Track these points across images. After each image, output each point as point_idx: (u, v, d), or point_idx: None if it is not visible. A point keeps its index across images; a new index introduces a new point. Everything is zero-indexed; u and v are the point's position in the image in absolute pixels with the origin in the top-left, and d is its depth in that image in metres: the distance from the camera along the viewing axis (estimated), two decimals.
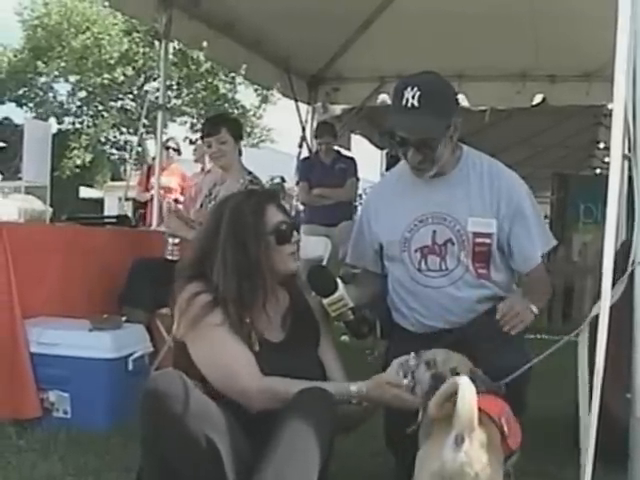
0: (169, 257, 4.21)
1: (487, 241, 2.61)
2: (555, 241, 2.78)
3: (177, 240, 4.20)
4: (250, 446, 2.00)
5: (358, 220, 2.90)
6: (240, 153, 4.46)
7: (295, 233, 2.38)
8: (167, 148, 7.69)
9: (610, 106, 2.20)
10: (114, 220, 5.11)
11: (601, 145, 11.17)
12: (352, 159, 7.18)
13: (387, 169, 6.86)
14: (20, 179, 4.98)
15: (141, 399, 1.97)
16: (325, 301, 2.43)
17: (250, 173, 4.34)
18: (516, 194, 2.66)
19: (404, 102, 2.50)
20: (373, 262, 2.82)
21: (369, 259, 2.82)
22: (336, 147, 7.01)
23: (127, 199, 7.91)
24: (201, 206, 4.45)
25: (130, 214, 7.43)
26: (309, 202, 6.85)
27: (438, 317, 2.64)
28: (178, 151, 7.97)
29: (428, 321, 2.66)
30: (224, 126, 4.38)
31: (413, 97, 2.49)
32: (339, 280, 2.45)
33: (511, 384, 2.27)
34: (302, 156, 7.58)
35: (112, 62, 26.36)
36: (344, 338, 5.57)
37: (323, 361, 2.41)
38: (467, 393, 1.85)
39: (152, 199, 6.54)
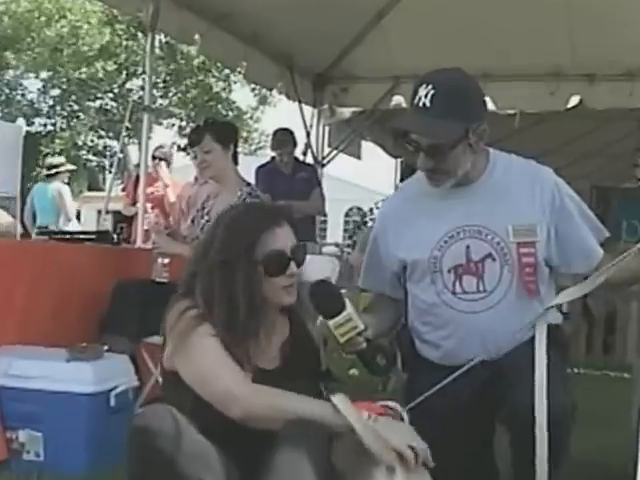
0: (157, 279, 4.23)
1: (532, 250, 2.59)
2: (607, 232, 2.74)
3: (167, 260, 4.22)
4: None
5: (371, 240, 2.87)
6: (236, 162, 4.46)
7: (292, 265, 2.33)
8: (154, 158, 7.64)
9: None
10: (93, 236, 5.15)
11: None
12: (312, 167, 7.19)
13: (402, 180, 6.84)
14: None
15: (129, 436, 2.00)
16: (331, 323, 2.34)
17: (249, 184, 4.37)
18: (557, 191, 2.66)
19: (416, 100, 2.52)
20: (391, 286, 2.79)
21: (387, 283, 2.80)
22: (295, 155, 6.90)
23: (107, 212, 7.91)
24: (192, 221, 4.44)
25: (110, 229, 7.43)
26: None
27: (475, 347, 2.58)
28: (167, 162, 7.83)
29: (462, 353, 2.59)
30: (207, 133, 4.36)
31: (426, 96, 2.49)
32: (346, 299, 2.37)
33: (553, 424, 2.24)
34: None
35: (90, 55, 26.47)
36: (353, 371, 5.58)
37: None
38: (367, 430, 2.03)
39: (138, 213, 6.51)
